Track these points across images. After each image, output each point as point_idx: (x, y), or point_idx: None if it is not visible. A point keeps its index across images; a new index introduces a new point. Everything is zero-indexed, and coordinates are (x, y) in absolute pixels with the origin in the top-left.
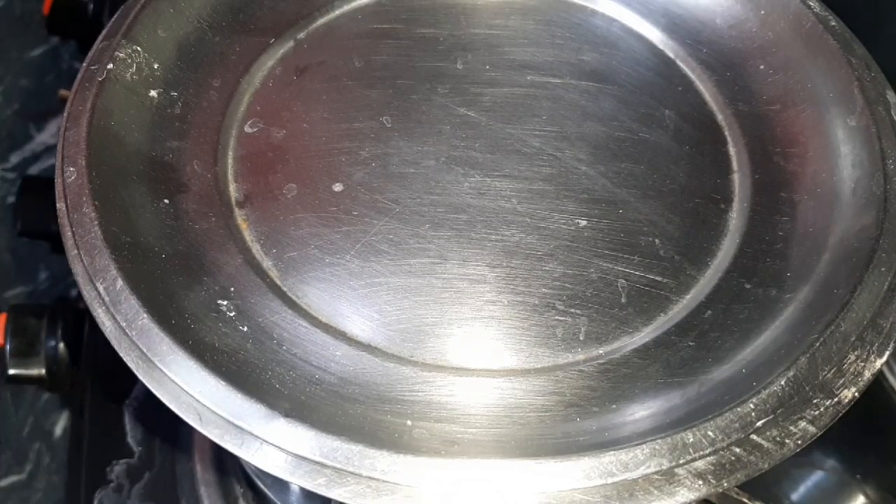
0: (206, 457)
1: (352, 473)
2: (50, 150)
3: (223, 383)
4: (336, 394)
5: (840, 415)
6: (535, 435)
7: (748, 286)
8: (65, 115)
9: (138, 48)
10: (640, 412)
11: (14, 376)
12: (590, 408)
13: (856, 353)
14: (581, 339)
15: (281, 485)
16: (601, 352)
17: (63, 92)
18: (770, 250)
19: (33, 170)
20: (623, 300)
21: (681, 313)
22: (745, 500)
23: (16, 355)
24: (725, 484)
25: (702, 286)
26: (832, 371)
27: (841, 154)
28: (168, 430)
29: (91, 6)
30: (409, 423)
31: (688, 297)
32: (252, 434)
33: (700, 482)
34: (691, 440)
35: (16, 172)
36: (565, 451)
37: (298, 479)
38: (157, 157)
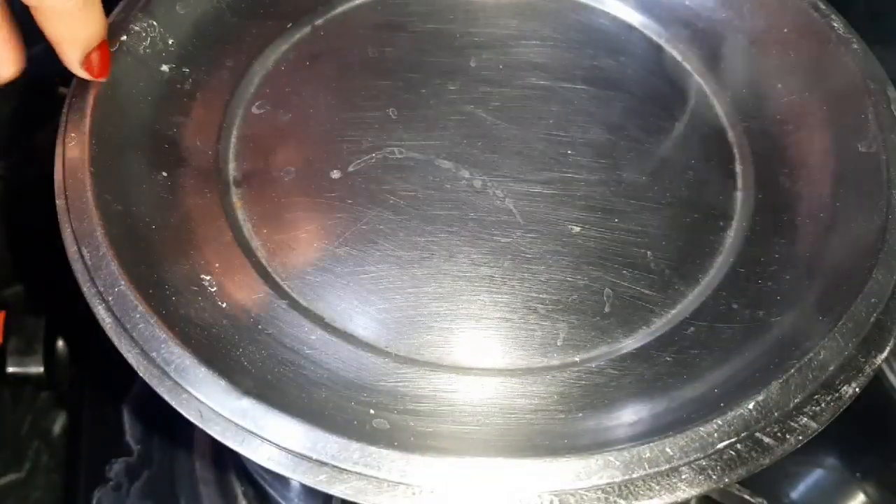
0: (206, 455)
1: (315, 461)
2: (48, 148)
3: (189, 355)
4: (304, 377)
5: (841, 410)
6: (497, 435)
7: (735, 306)
8: (73, 82)
9: (154, 22)
10: (606, 422)
11: (13, 375)
12: (556, 414)
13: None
14: (559, 344)
15: (282, 481)
16: (577, 359)
17: (62, 89)
18: (763, 272)
19: (32, 168)
20: (606, 309)
21: (663, 328)
22: (746, 497)
23: (14, 354)
24: (727, 480)
25: (689, 302)
26: (808, 394)
27: (848, 180)
28: (167, 428)
29: None
30: (371, 412)
31: (673, 312)
32: (211, 409)
33: (701, 478)
34: (648, 455)
35: (14, 170)
36: (525, 452)
37: (300, 476)
38: (161, 130)
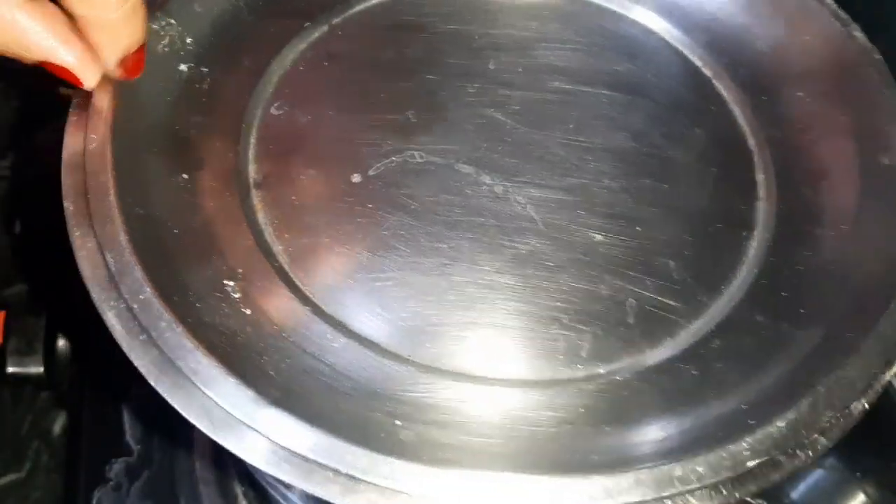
0: (206, 455)
1: (332, 470)
2: (49, 148)
3: (216, 365)
4: (329, 386)
5: (850, 427)
6: (523, 449)
7: (760, 318)
8: None
9: (173, 21)
10: (633, 438)
11: (13, 375)
12: (583, 427)
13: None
14: (583, 355)
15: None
16: (602, 371)
17: (63, 90)
18: (787, 283)
19: (32, 168)
20: (630, 320)
21: (688, 340)
22: (747, 498)
23: (14, 354)
24: (737, 495)
25: (713, 314)
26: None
27: (871, 191)
28: (167, 428)
29: None
30: (397, 423)
31: (697, 323)
32: (238, 420)
33: (713, 493)
34: (679, 473)
35: (14, 170)
36: (554, 468)
37: (306, 484)
38: (180, 131)
